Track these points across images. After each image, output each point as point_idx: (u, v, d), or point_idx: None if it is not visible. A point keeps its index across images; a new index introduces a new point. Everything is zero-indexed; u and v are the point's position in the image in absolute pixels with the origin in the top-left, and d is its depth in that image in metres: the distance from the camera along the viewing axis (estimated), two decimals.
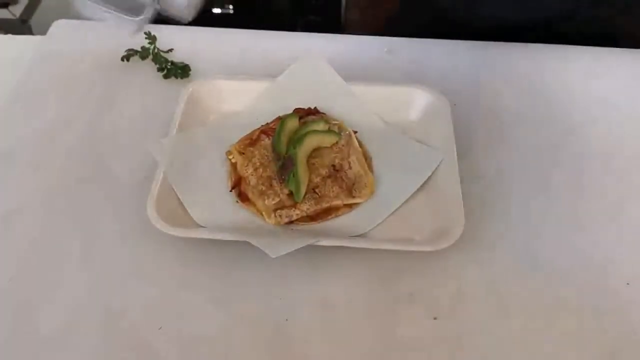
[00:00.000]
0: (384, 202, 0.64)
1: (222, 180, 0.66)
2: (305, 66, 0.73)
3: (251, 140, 0.67)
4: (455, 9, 0.92)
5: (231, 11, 1.65)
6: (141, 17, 0.81)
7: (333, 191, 0.63)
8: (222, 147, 0.68)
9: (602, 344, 0.56)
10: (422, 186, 0.65)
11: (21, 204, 0.65)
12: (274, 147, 0.65)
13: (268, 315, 0.57)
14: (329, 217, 0.63)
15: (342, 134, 0.67)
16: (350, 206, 0.64)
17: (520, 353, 0.55)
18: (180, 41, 0.82)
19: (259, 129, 0.68)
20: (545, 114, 0.76)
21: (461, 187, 0.62)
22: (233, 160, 0.66)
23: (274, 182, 0.63)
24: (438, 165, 0.65)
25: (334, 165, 0.64)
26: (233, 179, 0.65)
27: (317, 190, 0.63)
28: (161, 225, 0.58)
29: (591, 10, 0.87)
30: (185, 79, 0.78)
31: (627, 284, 0.60)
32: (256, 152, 0.66)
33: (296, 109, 0.70)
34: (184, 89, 0.72)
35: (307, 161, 0.64)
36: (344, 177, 0.64)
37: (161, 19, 0.84)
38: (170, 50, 0.81)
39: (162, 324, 0.56)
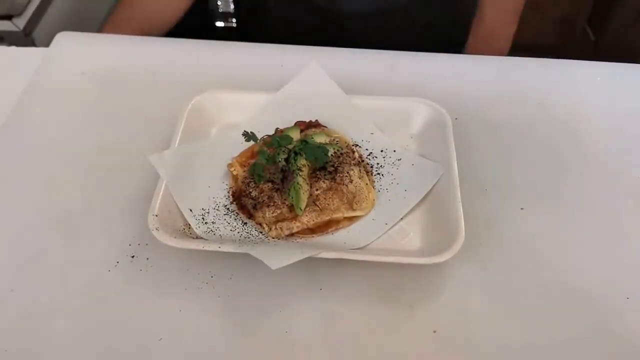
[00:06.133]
0: (385, 215, 0.64)
1: (223, 193, 0.66)
2: (307, 79, 0.74)
3: (252, 153, 0.68)
4: None
5: (234, 24, 1.66)
6: None
7: (334, 204, 0.63)
8: (224, 160, 0.68)
9: (603, 356, 0.56)
10: (422, 199, 0.65)
11: (24, 217, 0.66)
12: (275, 160, 0.65)
13: (268, 326, 0.57)
14: (330, 229, 0.63)
15: (343, 147, 0.68)
16: (350, 219, 0.64)
17: None
18: (182, 54, 0.83)
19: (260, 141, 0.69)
20: (547, 127, 0.76)
21: (461, 200, 0.62)
22: (234, 173, 0.67)
23: (275, 195, 0.63)
24: (439, 179, 0.65)
25: (334, 178, 0.65)
26: (234, 191, 0.66)
27: (317, 203, 0.63)
28: (162, 236, 0.58)
29: None
30: (187, 92, 0.78)
31: (627, 298, 0.60)
32: None
33: (297, 121, 0.70)
34: (186, 101, 0.72)
35: (308, 174, 0.65)
36: (344, 190, 0.64)
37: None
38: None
39: (162, 335, 0.56)
